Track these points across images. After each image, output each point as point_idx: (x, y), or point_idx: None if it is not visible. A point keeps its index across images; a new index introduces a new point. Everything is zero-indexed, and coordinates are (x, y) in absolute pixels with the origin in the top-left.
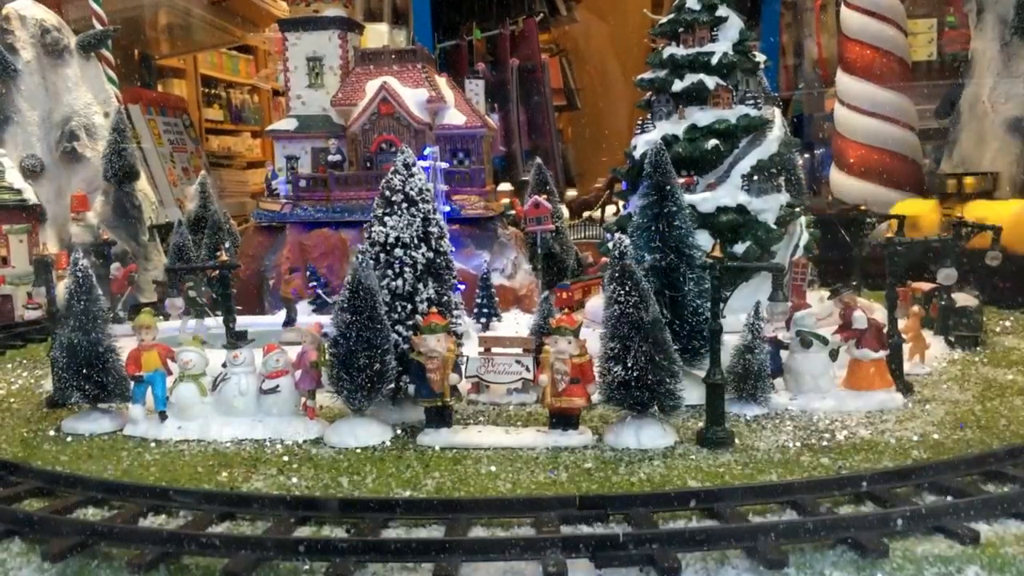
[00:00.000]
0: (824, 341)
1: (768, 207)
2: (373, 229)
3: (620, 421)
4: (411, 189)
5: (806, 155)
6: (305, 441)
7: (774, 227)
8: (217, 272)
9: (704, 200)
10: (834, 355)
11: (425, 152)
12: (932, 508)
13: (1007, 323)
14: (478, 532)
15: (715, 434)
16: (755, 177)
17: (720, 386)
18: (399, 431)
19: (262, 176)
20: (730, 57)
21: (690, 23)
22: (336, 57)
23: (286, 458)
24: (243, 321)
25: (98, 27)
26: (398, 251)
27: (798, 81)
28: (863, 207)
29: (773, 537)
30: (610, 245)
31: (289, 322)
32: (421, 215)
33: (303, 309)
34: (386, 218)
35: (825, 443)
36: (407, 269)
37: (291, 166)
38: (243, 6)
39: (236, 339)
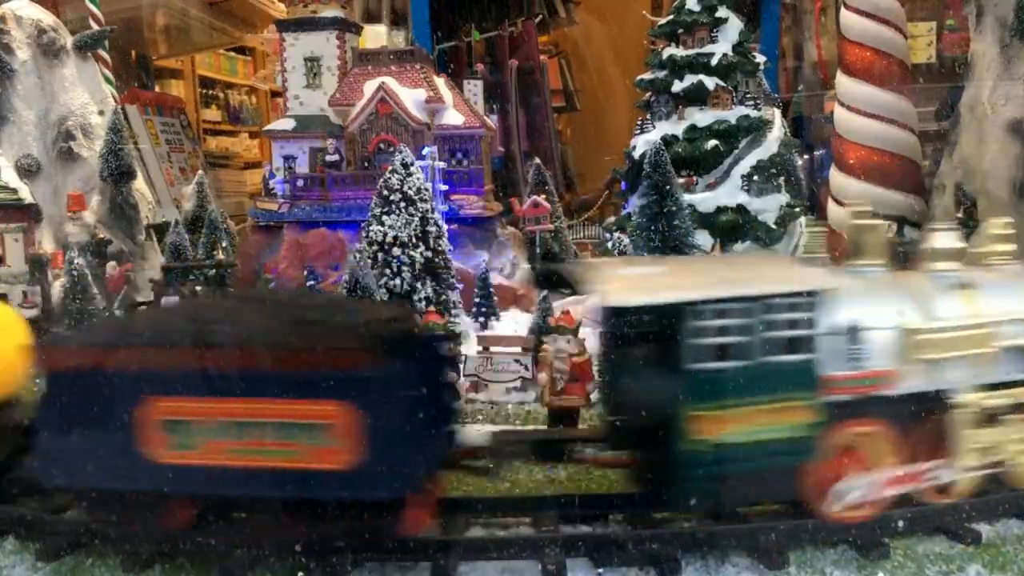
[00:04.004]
0: None
1: (768, 207)
2: (371, 228)
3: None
4: (409, 188)
5: (806, 156)
6: None
7: (774, 227)
8: (214, 271)
9: (704, 200)
10: None
11: (423, 152)
12: (933, 508)
13: None
14: (476, 531)
15: None
16: (755, 177)
17: None
18: None
19: (260, 176)
20: (730, 58)
21: (690, 24)
22: (334, 58)
23: None
24: None
25: (95, 27)
26: (396, 250)
27: (798, 83)
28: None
29: (774, 537)
30: (609, 245)
31: None
32: (419, 214)
33: None
34: (384, 217)
35: None
36: (405, 268)
37: (288, 166)
38: (241, 7)
39: None
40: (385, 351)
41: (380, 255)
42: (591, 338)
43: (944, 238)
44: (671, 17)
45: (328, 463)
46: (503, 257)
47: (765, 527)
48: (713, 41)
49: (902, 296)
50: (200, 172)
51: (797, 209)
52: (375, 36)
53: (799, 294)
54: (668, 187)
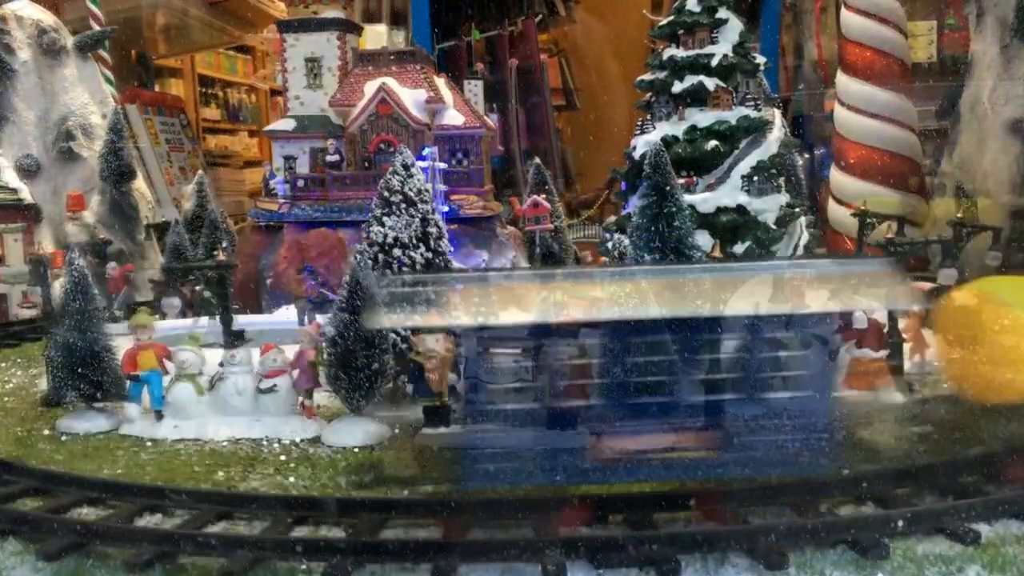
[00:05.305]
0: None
1: (768, 207)
2: (372, 229)
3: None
4: (410, 190)
5: (806, 155)
6: (303, 440)
7: (774, 227)
8: (214, 271)
9: (704, 200)
10: (834, 355)
11: (424, 152)
12: (933, 509)
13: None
14: (476, 533)
15: None
16: (755, 178)
17: None
18: (397, 431)
19: (260, 175)
20: (730, 59)
21: (690, 25)
22: (335, 58)
23: (283, 458)
24: (240, 320)
25: (95, 27)
26: (396, 251)
27: (798, 82)
28: (864, 207)
29: (773, 538)
30: (609, 245)
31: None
32: (420, 215)
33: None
34: (385, 218)
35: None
36: (405, 269)
37: (289, 166)
38: (241, 7)
39: (233, 338)
40: None
41: (381, 256)
42: None
43: None
44: (671, 18)
45: None
46: (503, 257)
47: (765, 527)
48: (713, 42)
49: None
50: (200, 172)
51: (797, 209)
52: (375, 36)
53: None
54: (668, 188)
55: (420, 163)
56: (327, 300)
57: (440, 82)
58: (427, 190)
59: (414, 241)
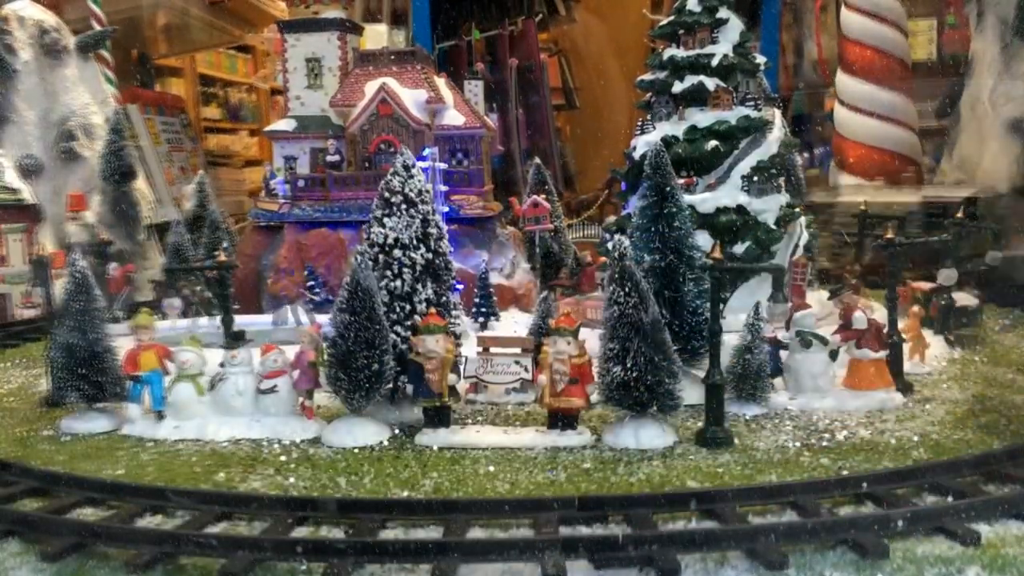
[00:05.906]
0: (824, 341)
1: (768, 207)
2: (372, 230)
3: (619, 421)
4: (410, 190)
5: (805, 155)
6: (303, 441)
7: (774, 227)
8: (215, 272)
9: (704, 201)
10: (834, 355)
11: (424, 153)
12: (933, 509)
13: (1006, 322)
14: (476, 533)
15: (714, 434)
16: (755, 178)
17: (720, 386)
18: (397, 431)
19: (260, 175)
20: (730, 59)
21: (690, 25)
22: (335, 58)
23: (284, 458)
24: (240, 321)
25: (96, 27)
26: (397, 252)
27: (798, 81)
28: (863, 206)
29: (773, 538)
30: (609, 246)
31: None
32: (420, 216)
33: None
34: (385, 219)
35: (825, 443)
36: (406, 270)
37: (289, 166)
38: (241, 6)
39: (234, 339)
40: None
41: (381, 257)
42: (591, 339)
43: None
44: (672, 18)
45: None
46: (503, 257)
47: (765, 527)
48: (714, 42)
49: None
50: (201, 172)
51: (797, 209)
52: (376, 36)
53: None
54: (668, 188)
55: (420, 163)
56: (325, 301)
57: (440, 82)
58: (428, 191)
59: (414, 242)
